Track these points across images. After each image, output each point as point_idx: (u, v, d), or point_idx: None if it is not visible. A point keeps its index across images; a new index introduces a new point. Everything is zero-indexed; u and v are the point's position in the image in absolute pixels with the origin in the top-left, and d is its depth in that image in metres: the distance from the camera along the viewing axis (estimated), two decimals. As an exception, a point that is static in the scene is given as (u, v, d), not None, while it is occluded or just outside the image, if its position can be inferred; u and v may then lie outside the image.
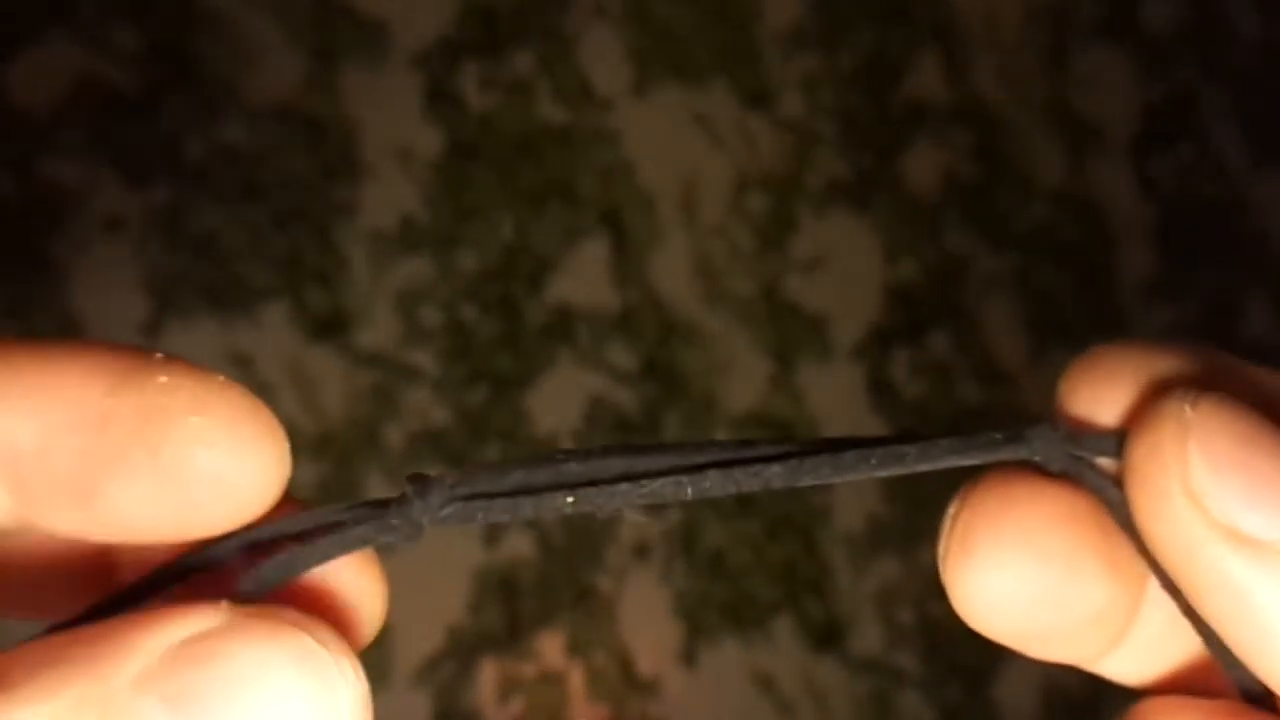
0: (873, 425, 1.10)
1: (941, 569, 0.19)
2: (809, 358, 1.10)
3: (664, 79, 1.13)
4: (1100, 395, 0.18)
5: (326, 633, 0.15)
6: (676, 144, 1.12)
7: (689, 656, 1.02)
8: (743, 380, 1.08)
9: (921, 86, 1.18)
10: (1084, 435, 0.18)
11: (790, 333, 1.10)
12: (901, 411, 1.11)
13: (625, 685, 1.00)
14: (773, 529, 1.05)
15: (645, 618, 1.02)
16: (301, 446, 0.97)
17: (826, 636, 1.04)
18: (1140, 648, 0.20)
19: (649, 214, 1.10)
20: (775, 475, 0.17)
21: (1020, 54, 1.21)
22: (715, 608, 1.03)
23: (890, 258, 1.14)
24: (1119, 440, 0.18)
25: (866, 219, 1.14)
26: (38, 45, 1.02)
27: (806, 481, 0.18)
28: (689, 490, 0.17)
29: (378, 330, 1.03)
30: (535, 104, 1.11)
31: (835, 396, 1.10)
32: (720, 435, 1.06)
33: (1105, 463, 0.18)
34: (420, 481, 0.17)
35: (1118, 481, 0.18)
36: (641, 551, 1.03)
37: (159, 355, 0.17)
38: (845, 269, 1.13)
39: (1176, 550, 0.17)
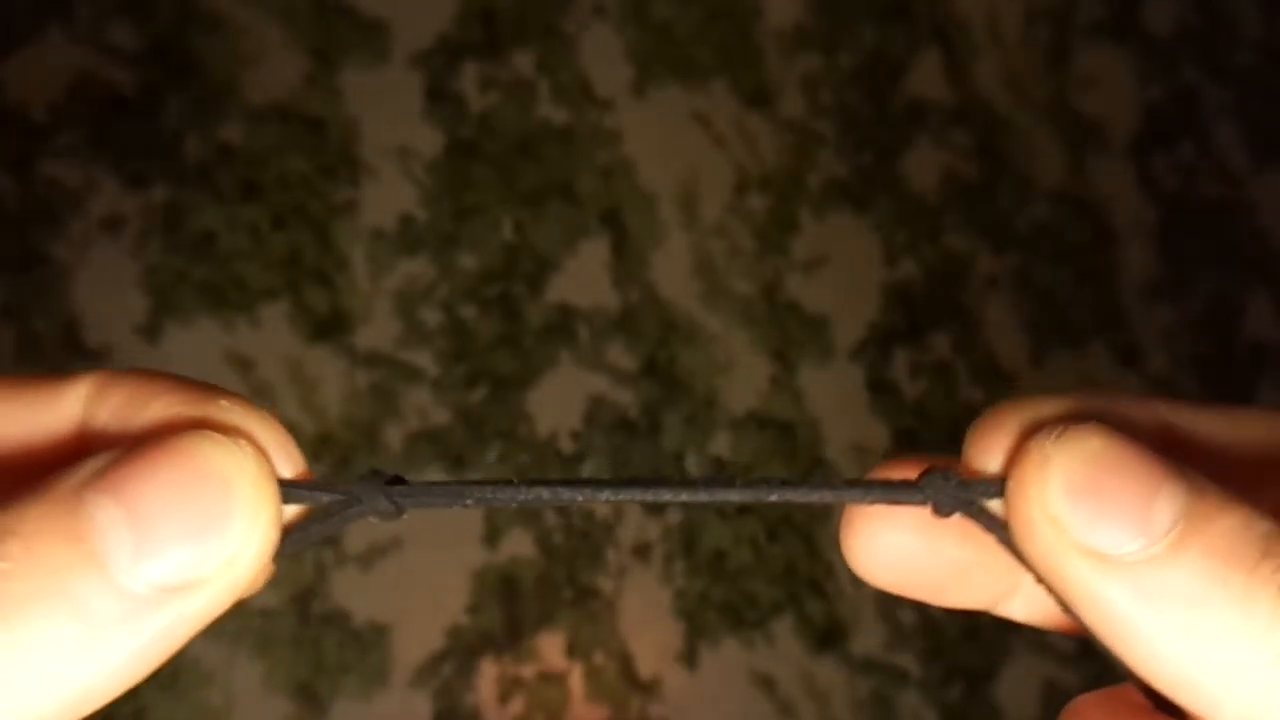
0: (873, 425, 1.10)
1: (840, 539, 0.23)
2: (809, 358, 1.10)
3: (664, 79, 1.13)
4: (993, 445, 0.21)
5: (220, 428, 0.20)
6: (676, 144, 1.12)
7: (689, 656, 1.02)
8: (743, 380, 1.08)
9: (922, 86, 1.18)
10: (975, 482, 0.20)
11: (790, 333, 1.10)
12: (902, 411, 1.11)
13: (625, 685, 1.00)
14: (773, 529, 1.05)
15: (645, 618, 1.02)
16: (301, 447, 0.97)
17: (827, 637, 1.04)
18: (1035, 596, 0.22)
19: (649, 214, 1.10)
20: (680, 491, 0.21)
21: (1021, 54, 1.21)
22: (715, 608, 1.03)
23: (890, 258, 1.14)
24: (1003, 483, 0.20)
25: (866, 219, 1.14)
26: (36, 44, 1.02)
27: (704, 498, 0.21)
28: (608, 494, 0.21)
29: (378, 330, 1.03)
30: (535, 104, 1.10)
31: (835, 396, 1.10)
32: (721, 436, 1.06)
33: (997, 505, 0.20)
34: (372, 475, 0.22)
35: (1006, 523, 0.20)
36: (641, 552, 1.03)
37: (230, 394, 0.21)
38: (845, 269, 1.13)
39: (1049, 572, 0.19)
